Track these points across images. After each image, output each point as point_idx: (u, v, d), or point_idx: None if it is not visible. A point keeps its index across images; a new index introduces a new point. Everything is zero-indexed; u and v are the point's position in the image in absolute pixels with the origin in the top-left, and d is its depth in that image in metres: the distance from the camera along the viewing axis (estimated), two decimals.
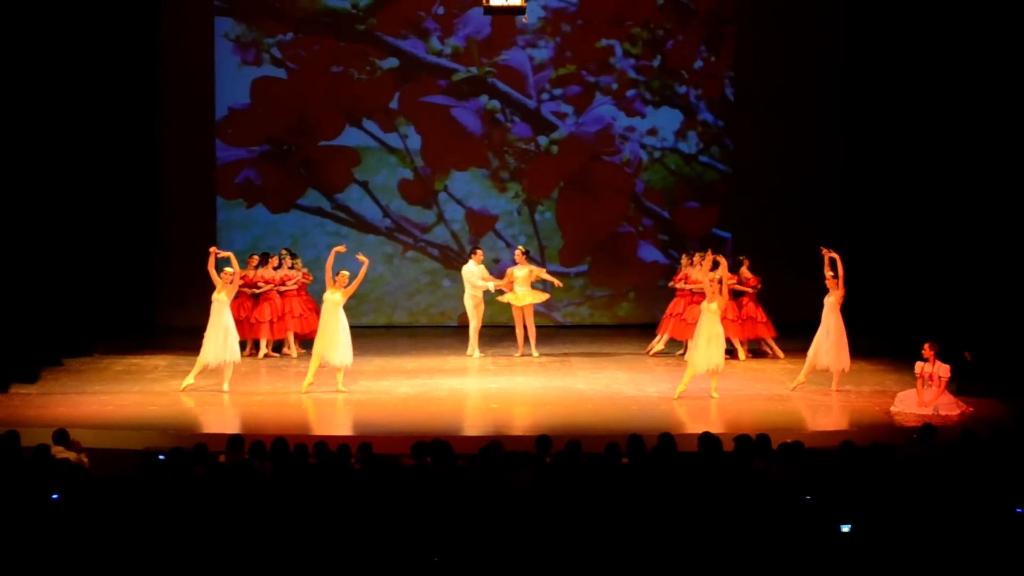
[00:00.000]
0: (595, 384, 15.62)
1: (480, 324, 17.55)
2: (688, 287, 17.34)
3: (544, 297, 17.56)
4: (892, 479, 9.24)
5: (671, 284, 17.86)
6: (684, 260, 17.77)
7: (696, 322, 15.09)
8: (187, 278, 18.92)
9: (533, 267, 17.51)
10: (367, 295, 17.46)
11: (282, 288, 17.55)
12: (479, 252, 17.79)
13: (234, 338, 15.03)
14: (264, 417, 13.99)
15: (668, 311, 17.64)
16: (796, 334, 17.21)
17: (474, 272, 17.48)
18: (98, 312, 18.17)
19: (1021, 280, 15.18)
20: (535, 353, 17.39)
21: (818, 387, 15.07)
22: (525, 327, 17.42)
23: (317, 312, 17.60)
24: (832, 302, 14.85)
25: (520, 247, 17.82)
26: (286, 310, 17.50)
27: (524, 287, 17.27)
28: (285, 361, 17.29)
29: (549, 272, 17.86)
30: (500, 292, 17.42)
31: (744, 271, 17.41)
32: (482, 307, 17.55)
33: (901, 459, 9.85)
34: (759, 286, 17.40)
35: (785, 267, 17.89)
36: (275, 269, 17.65)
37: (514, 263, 17.63)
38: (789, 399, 14.64)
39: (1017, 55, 15.37)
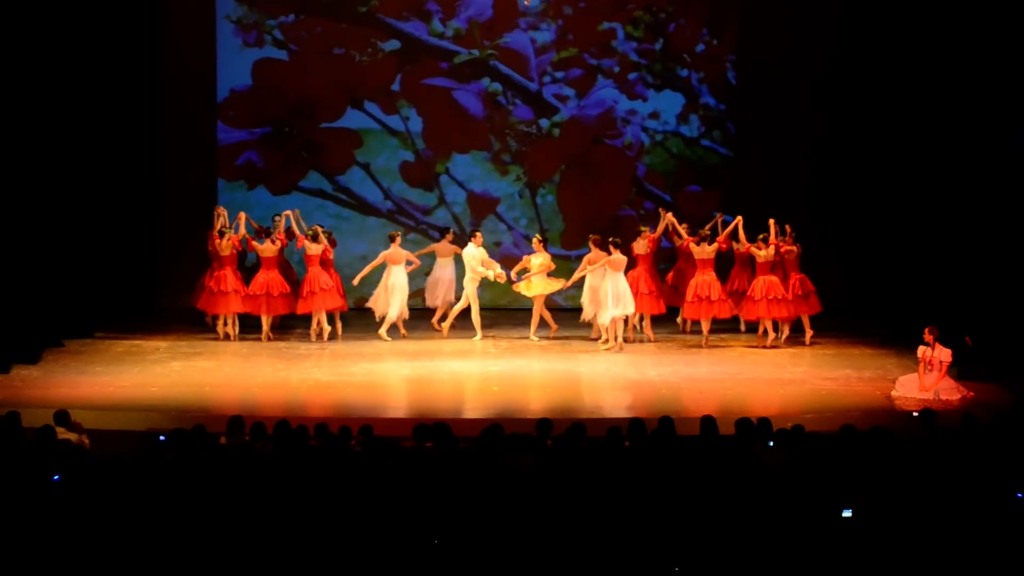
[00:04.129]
0: (596, 367, 15.62)
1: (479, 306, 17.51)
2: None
3: (558, 286, 17.47)
4: (893, 464, 9.25)
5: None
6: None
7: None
8: (188, 260, 18.90)
9: (549, 257, 17.36)
10: (369, 277, 17.43)
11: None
12: (478, 235, 17.68)
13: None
14: (265, 398, 14.02)
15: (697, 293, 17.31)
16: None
17: (475, 256, 17.37)
18: (100, 293, 18.15)
19: (1022, 265, 15.17)
20: (534, 338, 17.33)
21: (820, 370, 15.13)
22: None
23: (340, 291, 17.38)
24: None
25: (537, 235, 17.85)
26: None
27: (539, 275, 17.24)
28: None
29: (552, 255, 17.72)
30: (511, 280, 17.33)
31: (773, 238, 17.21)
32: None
33: (902, 444, 9.86)
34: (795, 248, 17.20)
35: None
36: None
37: (530, 249, 17.49)
38: (791, 383, 14.62)
39: (1019, 40, 15.34)
